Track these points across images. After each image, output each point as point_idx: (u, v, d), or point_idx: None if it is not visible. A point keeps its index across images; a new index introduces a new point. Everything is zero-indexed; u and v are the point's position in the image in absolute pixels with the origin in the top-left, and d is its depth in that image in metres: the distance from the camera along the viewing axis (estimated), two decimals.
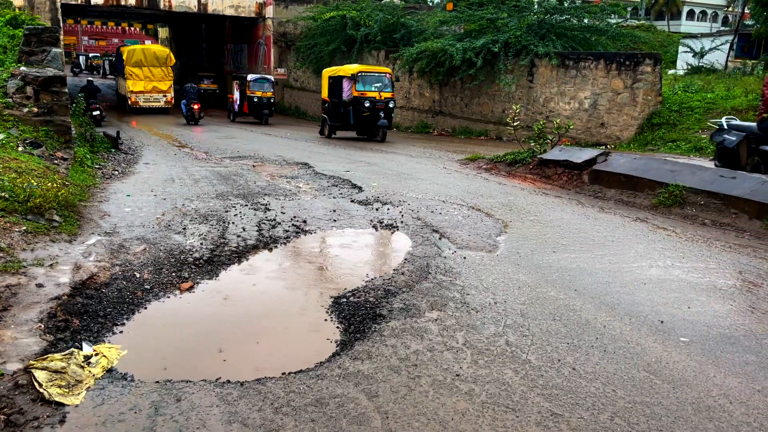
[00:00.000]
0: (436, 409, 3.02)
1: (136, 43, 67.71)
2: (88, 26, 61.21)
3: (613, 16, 19.98)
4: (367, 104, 16.31)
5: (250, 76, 22.31)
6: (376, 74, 17.17)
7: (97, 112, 16.61)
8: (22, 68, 9.07)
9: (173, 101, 24.69)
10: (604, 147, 13.48)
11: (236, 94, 22.81)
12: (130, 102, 23.43)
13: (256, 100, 21.90)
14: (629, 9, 45.57)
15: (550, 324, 4.10)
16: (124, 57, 23.71)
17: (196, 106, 20.37)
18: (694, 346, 3.83)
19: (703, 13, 56.17)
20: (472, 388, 3.22)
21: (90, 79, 22.00)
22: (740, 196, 7.34)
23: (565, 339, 3.87)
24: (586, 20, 18.88)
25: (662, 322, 4.18)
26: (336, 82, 17.38)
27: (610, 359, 3.61)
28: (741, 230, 6.98)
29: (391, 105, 16.88)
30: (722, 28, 47.33)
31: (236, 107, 22.88)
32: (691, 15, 55.17)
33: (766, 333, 4.07)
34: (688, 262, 5.65)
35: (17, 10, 15.89)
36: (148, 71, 23.38)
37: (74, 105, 10.93)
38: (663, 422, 2.96)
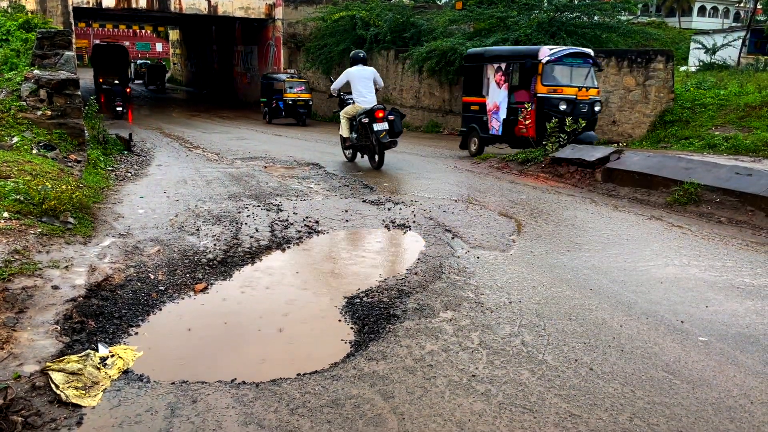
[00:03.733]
0: (453, 409, 3.00)
1: (146, 45, 68.35)
2: (100, 29, 61.72)
3: (623, 13, 19.84)
4: None
5: (544, 51, 10.93)
6: None
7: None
8: (36, 71, 9.14)
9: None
10: (616, 145, 13.39)
11: (498, 96, 11.78)
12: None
13: (563, 107, 10.83)
14: (640, 6, 45.27)
15: (566, 324, 4.07)
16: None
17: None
18: (713, 345, 3.78)
19: (715, 9, 55.68)
20: (488, 389, 3.19)
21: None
22: (757, 194, 7.26)
23: (582, 339, 3.84)
24: (596, 17, 18.74)
25: (683, 322, 4.13)
26: None
27: (628, 359, 3.57)
28: (758, 228, 6.90)
29: None
30: (734, 24, 46.90)
31: (497, 126, 11.85)
32: (702, 11, 54.72)
33: None
34: (705, 261, 5.58)
35: (30, 14, 16.01)
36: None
37: (87, 107, 10.99)
38: (683, 423, 2.92)
